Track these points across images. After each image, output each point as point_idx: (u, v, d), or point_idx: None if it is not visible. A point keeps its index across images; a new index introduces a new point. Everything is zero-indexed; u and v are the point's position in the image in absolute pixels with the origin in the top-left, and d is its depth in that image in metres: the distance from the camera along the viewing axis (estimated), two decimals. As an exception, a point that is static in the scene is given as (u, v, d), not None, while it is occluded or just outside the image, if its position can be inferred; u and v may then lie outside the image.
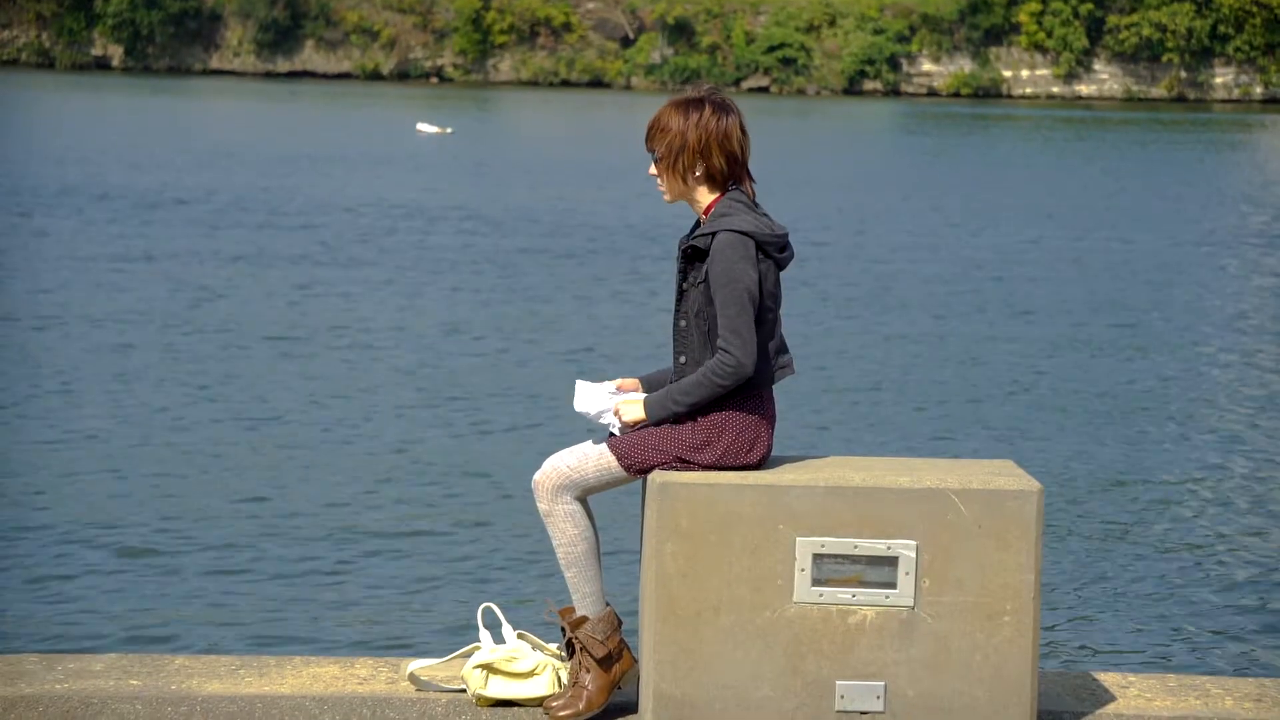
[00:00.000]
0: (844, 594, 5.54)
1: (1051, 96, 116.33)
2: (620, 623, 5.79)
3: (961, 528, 5.53)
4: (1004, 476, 5.65)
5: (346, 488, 12.28)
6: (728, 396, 5.72)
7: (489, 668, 5.82)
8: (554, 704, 5.75)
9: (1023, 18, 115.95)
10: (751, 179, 5.90)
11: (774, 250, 5.76)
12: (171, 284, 21.83)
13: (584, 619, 5.77)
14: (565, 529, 5.75)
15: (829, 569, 5.54)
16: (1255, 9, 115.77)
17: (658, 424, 5.74)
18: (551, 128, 68.32)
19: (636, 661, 5.80)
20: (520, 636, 5.94)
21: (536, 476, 5.78)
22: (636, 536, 5.84)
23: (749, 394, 5.75)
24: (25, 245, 25.20)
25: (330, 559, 10.56)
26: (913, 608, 5.53)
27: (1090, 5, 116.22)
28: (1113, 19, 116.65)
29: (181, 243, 26.13)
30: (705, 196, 5.85)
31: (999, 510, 5.53)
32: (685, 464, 5.67)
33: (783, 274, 5.85)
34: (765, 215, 5.83)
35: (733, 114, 5.88)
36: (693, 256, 5.78)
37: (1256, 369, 18.01)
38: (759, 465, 5.74)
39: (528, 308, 20.90)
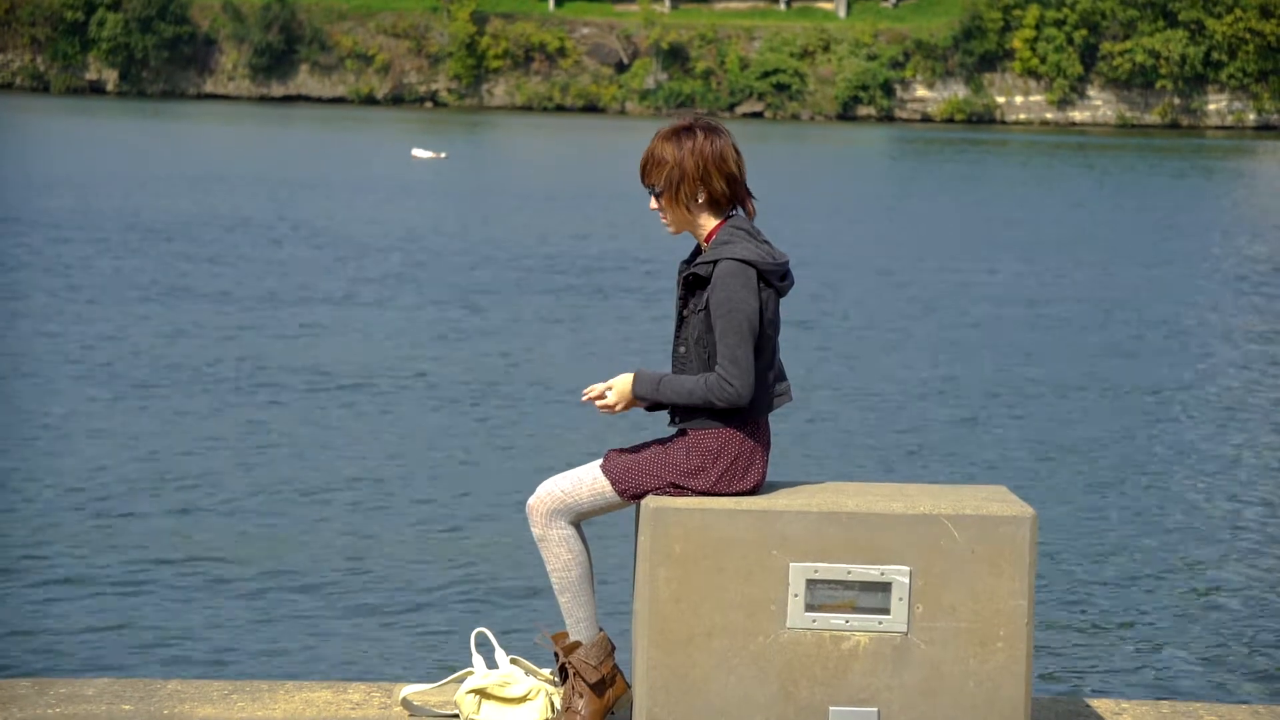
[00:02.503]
0: (837, 620, 5.54)
1: (1045, 122, 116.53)
2: (613, 648, 5.79)
3: (955, 554, 5.53)
4: (997, 502, 5.65)
5: (340, 512, 12.27)
6: (724, 422, 5.71)
7: (482, 693, 5.81)
8: None
9: (1017, 44, 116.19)
10: (752, 196, 5.90)
11: (775, 279, 5.76)
12: (159, 311, 21.82)
13: (577, 644, 5.77)
14: (559, 554, 5.75)
15: (822, 594, 5.54)
16: (1249, 36, 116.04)
17: (640, 398, 5.74)
18: (546, 152, 68.39)
19: (630, 687, 5.79)
20: (513, 661, 5.93)
21: (531, 501, 5.78)
22: (629, 559, 5.84)
23: (745, 420, 5.75)
24: (15, 272, 25.20)
25: (323, 584, 10.55)
26: (906, 633, 5.53)
27: (1084, 32, 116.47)
28: (1106, 45, 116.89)
29: (168, 270, 26.13)
30: (709, 222, 5.85)
31: (992, 536, 5.53)
32: (679, 489, 5.67)
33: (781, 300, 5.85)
34: (766, 243, 5.83)
35: (723, 135, 5.89)
36: (694, 284, 5.78)
37: (1251, 396, 18.03)
38: (753, 491, 5.74)
39: (522, 334, 20.90)
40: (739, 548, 5.56)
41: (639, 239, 32.55)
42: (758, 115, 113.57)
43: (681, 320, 5.80)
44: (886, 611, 5.53)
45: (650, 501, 5.63)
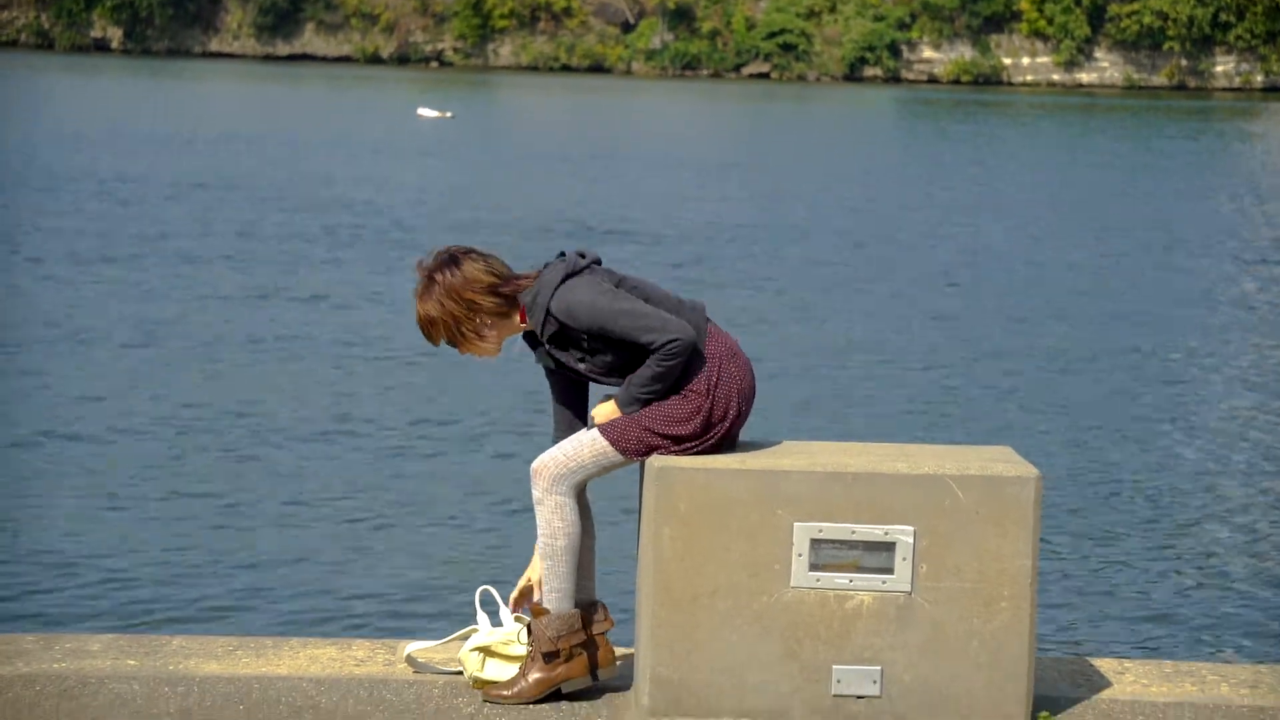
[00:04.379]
0: (841, 579, 5.54)
1: (1052, 84, 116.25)
2: (583, 629, 5.75)
3: (959, 513, 5.53)
4: (1002, 463, 5.65)
5: (345, 471, 12.29)
6: (693, 363, 5.70)
7: (486, 650, 5.83)
8: (493, 689, 5.77)
9: (1024, 5, 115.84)
10: (526, 276, 5.83)
11: (585, 263, 5.77)
12: (161, 277, 21.83)
13: (544, 610, 5.77)
14: (551, 520, 5.75)
15: (826, 554, 5.55)
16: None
17: (637, 409, 5.74)
18: (552, 113, 68.26)
19: (612, 663, 5.79)
20: (517, 619, 5.94)
21: (535, 464, 5.79)
22: (633, 521, 5.85)
23: (702, 352, 5.72)
24: (19, 234, 25.20)
25: (328, 542, 10.57)
26: (910, 593, 5.54)
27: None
28: (1114, 7, 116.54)
29: (171, 230, 26.12)
30: (510, 322, 5.84)
31: (997, 496, 5.54)
32: (680, 442, 5.66)
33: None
34: (547, 265, 5.83)
35: (461, 259, 5.80)
36: (561, 343, 5.77)
37: (1259, 359, 18.02)
38: (746, 397, 5.71)
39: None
40: (743, 507, 5.56)
41: (637, 199, 32.50)
42: (764, 76, 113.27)
43: (584, 372, 5.79)
44: (890, 571, 5.54)
45: (655, 461, 5.63)
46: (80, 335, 16.95)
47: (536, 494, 5.77)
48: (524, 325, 5.85)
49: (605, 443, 5.71)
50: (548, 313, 5.73)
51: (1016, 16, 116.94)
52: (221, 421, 13.59)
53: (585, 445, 5.74)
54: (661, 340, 5.62)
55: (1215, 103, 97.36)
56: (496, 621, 5.97)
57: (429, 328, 5.85)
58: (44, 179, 31.87)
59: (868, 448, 5.87)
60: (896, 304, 20.73)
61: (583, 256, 5.82)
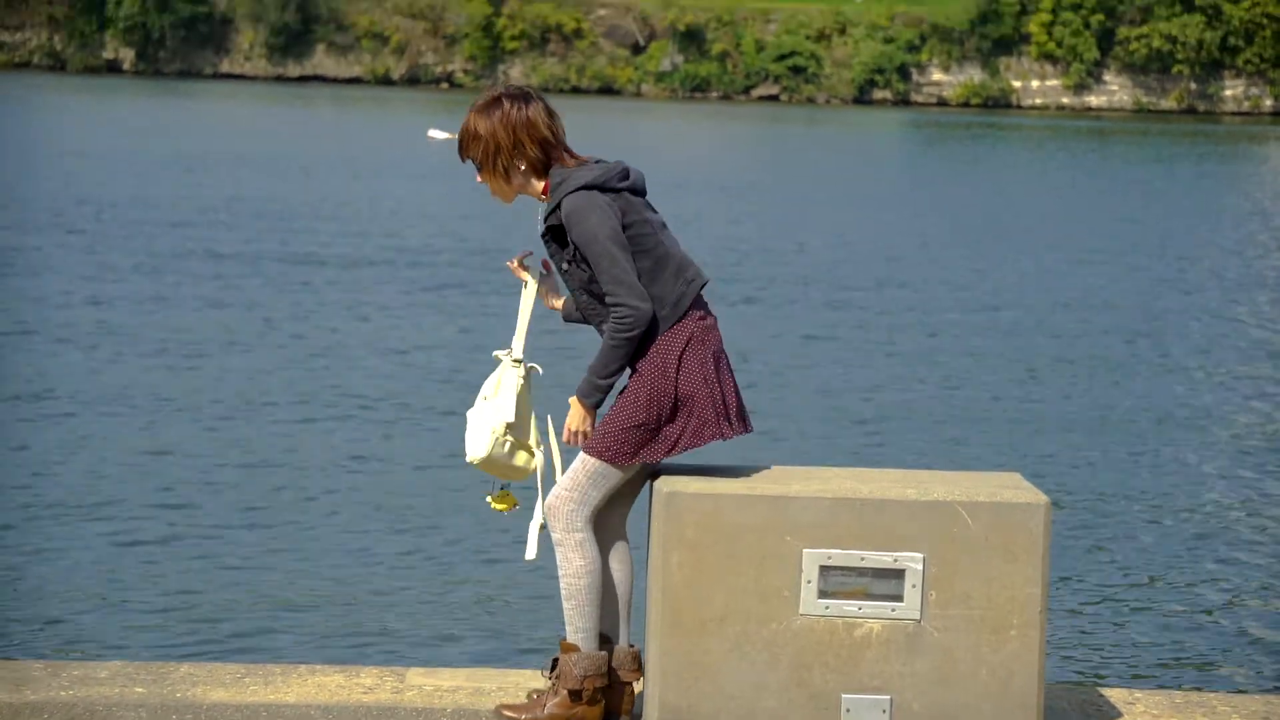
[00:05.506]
0: (850, 606, 5.53)
1: (1061, 107, 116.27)
2: (608, 671, 5.74)
3: (968, 541, 5.52)
4: (1011, 489, 5.64)
5: (353, 497, 12.27)
6: (655, 338, 5.68)
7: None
8: (508, 707, 5.76)
9: (1033, 28, 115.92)
10: (573, 155, 5.87)
11: (618, 183, 5.76)
12: (170, 297, 21.84)
13: (575, 646, 5.75)
14: (572, 559, 5.73)
15: (835, 581, 5.53)
16: (1265, 21, 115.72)
17: (596, 405, 5.74)
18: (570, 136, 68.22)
19: (629, 713, 5.78)
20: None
21: (548, 503, 5.78)
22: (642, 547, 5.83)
23: (671, 322, 5.71)
24: (28, 258, 25.22)
25: (336, 568, 10.56)
26: (919, 621, 5.52)
27: (1101, 16, 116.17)
28: (1123, 30, 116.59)
29: (179, 252, 26.15)
30: (536, 184, 5.87)
31: (1006, 523, 5.52)
32: (654, 430, 5.63)
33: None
34: (600, 161, 5.85)
35: (533, 101, 5.89)
36: (555, 237, 5.80)
37: (1267, 386, 17.98)
38: (718, 381, 5.69)
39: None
40: (752, 533, 5.55)
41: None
42: (774, 98, 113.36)
43: (565, 275, 5.82)
44: (900, 599, 5.52)
45: (663, 485, 5.62)
46: (76, 353, 16.95)
47: (556, 536, 5.76)
48: (543, 197, 5.88)
49: (594, 461, 5.70)
50: (559, 204, 5.75)
51: (1026, 39, 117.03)
52: (227, 450, 13.58)
53: (578, 470, 5.73)
54: (615, 301, 5.63)
55: (1224, 126, 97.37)
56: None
57: (470, 141, 5.87)
58: (47, 200, 31.92)
59: (877, 474, 5.86)
60: (905, 329, 20.71)
61: (625, 177, 5.79)
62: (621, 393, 5.74)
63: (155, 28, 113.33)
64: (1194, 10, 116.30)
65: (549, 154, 5.83)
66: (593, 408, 5.72)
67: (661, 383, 5.65)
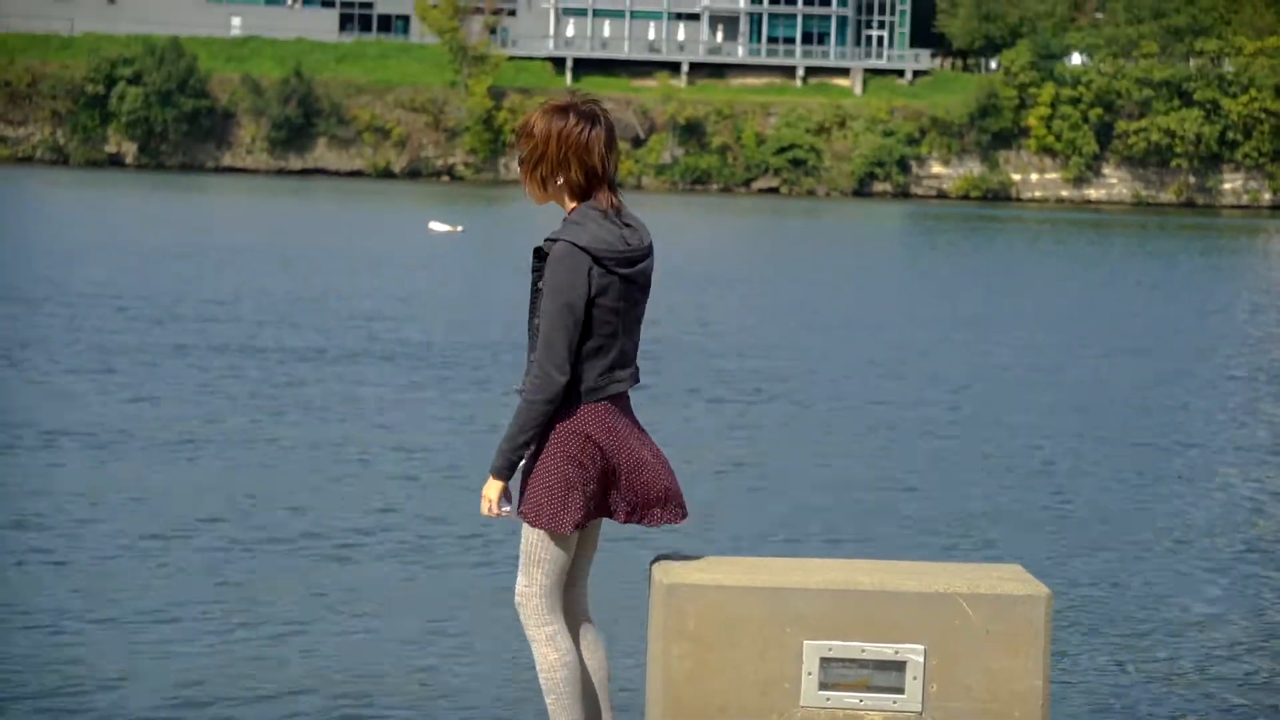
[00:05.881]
0: (851, 698, 5.50)
1: (1060, 200, 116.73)
2: None
3: (970, 633, 5.50)
4: (1013, 581, 5.62)
5: (355, 579, 12.23)
6: (565, 406, 5.71)
7: None
8: None
9: (1032, 122, 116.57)
10: (613, 192, 5.86)
11: (614, 265, 5.72)
12: (158, 394, 21.84)
13: None
14: (546, 654, 5.72)
15: (836, 673, 5.51)
16: (1263, 116, 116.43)
17: (510, 472, 5.77)
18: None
19: None
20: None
21: (516, 600, 5.83)
22: (641, 635, 5.80)
23: (571, 406, 5.72)
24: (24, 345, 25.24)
25: (343, 649, 10.51)
26: (920, 713, 5.49)
27: (1100, 110, 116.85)
28: (1122, 124, 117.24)
29: (177, 343, 26.16)
30: (568, 203, 5.88)
31: (1008, 615, 5.50)
32: (576, 491, 5.68)
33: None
34: (628, 225, 5.81)
35: (599, 126, 5.85)
36: (542, 260, 5.82)
37: (1269, 476, 17.96)
38: (614, 477, 5.70)
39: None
40: (753, 625, 5.53)
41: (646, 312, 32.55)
42: (774, 191, 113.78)
43: (535, 294, 5.83)
44: (901, 690, 5.49)
45: (663, 577, 5.60)
46: (82, 438, 16.94)
47: (528, 633, 5.75)
48: (566, 214, 5.87)
49: (534, 532, 5.72)
50: (555, 237, 5.78)
51: (1025, 133, 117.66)
52: (231, 525, 13.54)
53: (528, 557, 5.77)
54: (535, 367, 5.66)
55: (1223, 219, 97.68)
56: None
57: (525, 136, 5.85)
58: (46, 291, 31.99)
59: (878, 565, 5.84)
60: (905, 419, 20.70)
61: (630, 265, 5.74)
62: (539, 447, 5.78)
63: (158, 122, 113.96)
64: (1192, 105, 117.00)
65: (591, 182, 5.81)
66: (502, 475, 5.75)
67: (560, 451, 5.71)
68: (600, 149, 5.79)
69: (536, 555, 5.70)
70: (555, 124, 5.78)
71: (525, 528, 5.76)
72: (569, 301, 5.64)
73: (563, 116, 5.79)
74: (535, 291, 5.77)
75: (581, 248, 5.68)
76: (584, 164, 5.77)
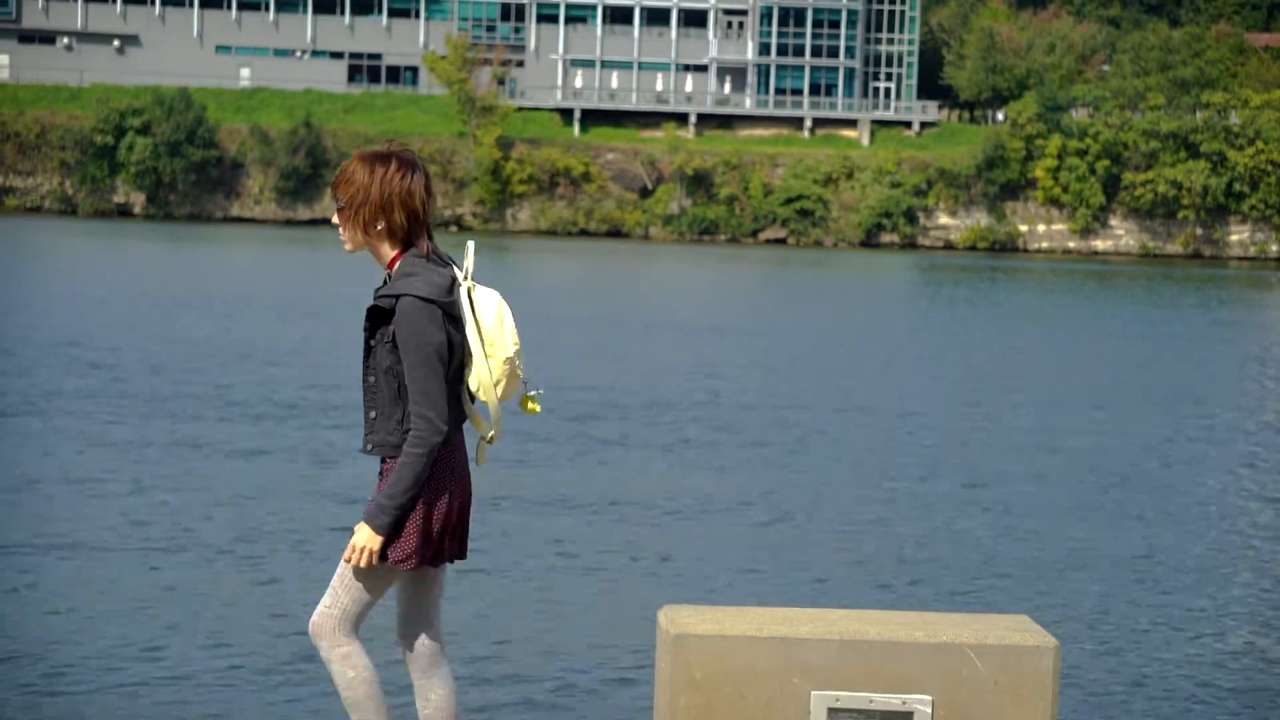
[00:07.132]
0: (859, 750, 5.49)
1: (1068, 251, 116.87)
2: None
3: (978, 684, 5.49)
4: (1020, 632, 5.61)
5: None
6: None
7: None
8: None
9: (1039, 173, 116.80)
10: (430, 238, 6.01)
11: (449, 309, 5.88)
12: (170, 432, 21.85)
13: None
14: (343, 673, 5.83)
15: (844, 724, 5.50)
16: (1270, 168, 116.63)
17: (387, 527, 5.81)
18: (569, 277, 68.66)
19: None
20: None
21: (310, 627, 5.89)
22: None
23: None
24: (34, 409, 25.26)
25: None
26: (928, 764, 5.48)
27: (1106, 162, 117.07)
28: (1129, 176, 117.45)
29: (179, 393, 26.19)
30: (387, 251, 5.99)
31: (1015, 666, 5.49)
32: (400, 527, 5.80)
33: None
34: (450, 264, 5.90)
35: (418, 173, 6.01)
36: (377, 316, 5.89)
37: (1275, 525, 17.94)
38: (462, 506, 5.85)
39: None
40: (760, 675, 5.52)
41: (651, 364, 32.56)
42: (781, 241, 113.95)
43: (369, 350, 5.91)
44: (908, 741, 5.48)
45: (670, 627, 5.59)
46: (80, 500, 16.96)
47: (323, 655, 5.85)
48: (388, 269, 5.95)
49: (344, 566, 5.86)
50: (398, 298, 5.81)
51: (1032, 184, 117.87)
52: (223, 567, 13.53)
53: (338, 586, 5.86)
54: (419, 412, 5.74)
55: (1230, 270, 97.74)
56: None
57: (345, 181, 5.96)
58: (46, 342, 32.05)
59: (884, 615, 5.83)
60: (913, 470, 20.69)
61: (450, 292, 5.84)
62: (379, 479, 5.89)
63: (166, 172, 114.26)
64: (1199, 157, 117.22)
65: (412, 227, 5.90)
66: (385, 531, 5.79)
67: (427, 487, 5.85)
68: (421, 194, 5.98)
69: (341, 584, 5.84)
70: (378, 170, 5.95)
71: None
72: (435, 350, 5.80)
73: (384, 163, 5.96)
74: (370, 347, 5.91)
75: (430, 300, 5.79)
76: (407, 208, 5.94)
